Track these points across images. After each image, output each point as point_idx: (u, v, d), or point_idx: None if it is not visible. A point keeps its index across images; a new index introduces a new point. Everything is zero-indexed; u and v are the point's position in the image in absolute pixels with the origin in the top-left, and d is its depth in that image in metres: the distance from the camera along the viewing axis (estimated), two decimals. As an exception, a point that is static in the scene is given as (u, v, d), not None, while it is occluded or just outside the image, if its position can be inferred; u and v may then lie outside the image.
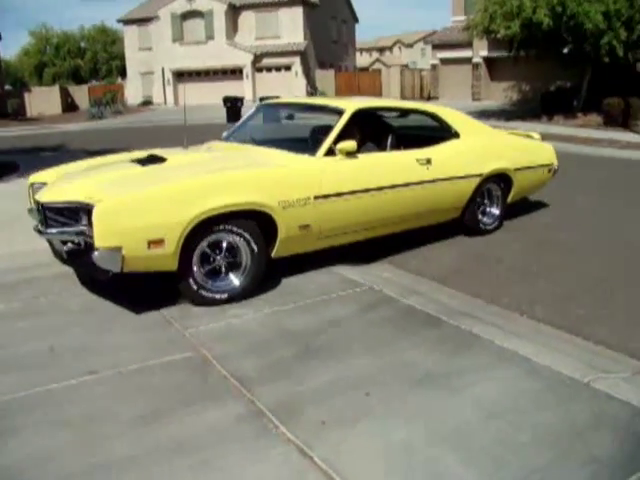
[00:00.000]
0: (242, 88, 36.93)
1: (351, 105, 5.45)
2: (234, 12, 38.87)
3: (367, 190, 5.14)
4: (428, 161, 5.63)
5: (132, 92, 41.94)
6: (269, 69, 38.56)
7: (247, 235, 4.45)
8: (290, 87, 36.65)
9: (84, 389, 3.19)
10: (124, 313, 4.23)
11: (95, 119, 31.14)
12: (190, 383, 3.25)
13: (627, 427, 2.78)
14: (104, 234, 3.88)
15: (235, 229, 4.40)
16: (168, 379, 3.30)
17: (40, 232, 4.56)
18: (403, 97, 37.18)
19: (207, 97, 35.61)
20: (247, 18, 38.95)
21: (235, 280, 4.52)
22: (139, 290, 4.60)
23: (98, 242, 3.88)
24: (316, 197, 4.79)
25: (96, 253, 3.91)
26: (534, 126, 17.31)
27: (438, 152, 5.82)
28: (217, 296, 4.42)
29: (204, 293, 4.37)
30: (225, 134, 6.30)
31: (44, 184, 5.03)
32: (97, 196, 4.07)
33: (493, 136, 6.80)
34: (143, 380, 3.29)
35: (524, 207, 7.43)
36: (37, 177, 5.31)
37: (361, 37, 53.14)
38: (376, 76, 40.10)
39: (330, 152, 5.04)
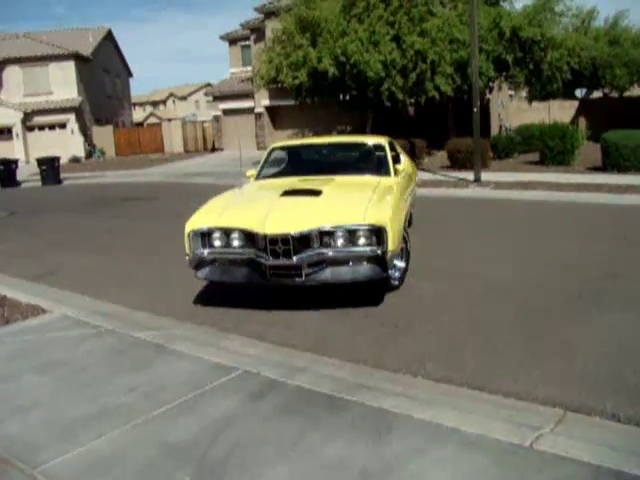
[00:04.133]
0: (13, 149, 33.55)
1: (385, 138, 7.94)
2: (-3, 66, 35.51)
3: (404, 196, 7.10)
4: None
5: None
6: (42, 127, 35.58)
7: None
8: (67, 145, 34.23)
9: None
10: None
11: None
12: None
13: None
14: (392, 244, 5.29)
15: None
16: None
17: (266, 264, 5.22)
18: (187, 150, 36.70)
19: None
20: (13, 73, 35.75)
21: (401, 263, 6.07)
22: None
23: (391, 248, 5.30)
24: None
25: (389, 256, 5.32)
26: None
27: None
28: (397, 282, 5.98)
29: (392, 282, 5.83)
30: (254, 174, 7.74)
31: (210, 228, 5.57)
32: (364, 218, 5.31)
33: None
34: None
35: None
36: (194, 224, 5.66)
37: (134, 91, 51.74)
38: (157, 130, 39.31)
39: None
